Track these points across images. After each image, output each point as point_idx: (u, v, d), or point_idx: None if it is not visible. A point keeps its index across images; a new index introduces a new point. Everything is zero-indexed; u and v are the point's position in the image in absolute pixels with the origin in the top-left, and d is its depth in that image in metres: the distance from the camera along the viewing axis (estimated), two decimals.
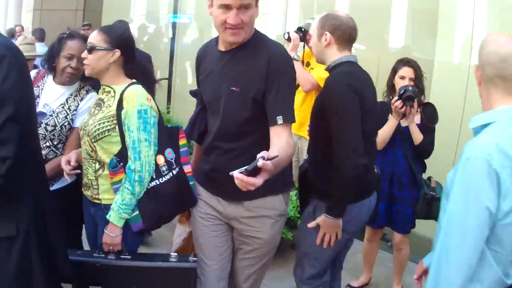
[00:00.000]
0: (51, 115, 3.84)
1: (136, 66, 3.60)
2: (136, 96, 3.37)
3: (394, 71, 4.81)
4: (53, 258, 3.01)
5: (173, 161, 3.47)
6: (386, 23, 6.81)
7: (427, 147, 4.61)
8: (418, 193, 4.63)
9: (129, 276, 3.41)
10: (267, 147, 2.89)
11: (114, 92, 3.47)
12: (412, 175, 4.69)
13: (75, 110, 3.90)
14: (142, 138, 3.30)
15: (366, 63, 5.63)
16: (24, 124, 2.67)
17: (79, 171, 3.57)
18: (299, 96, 5.67)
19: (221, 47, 3.30)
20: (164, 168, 3.41)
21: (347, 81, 3.52)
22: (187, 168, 3.56)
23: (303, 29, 5.72)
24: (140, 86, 3.47)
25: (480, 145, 2.32)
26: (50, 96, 3.93)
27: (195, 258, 3.47)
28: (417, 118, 4.71)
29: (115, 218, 3.32)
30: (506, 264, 2.32)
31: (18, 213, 2.77)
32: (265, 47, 3.18)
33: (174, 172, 3.46)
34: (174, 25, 10.39)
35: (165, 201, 3.41)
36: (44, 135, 3.80)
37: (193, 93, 3.66)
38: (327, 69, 3.78)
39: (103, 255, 3.40)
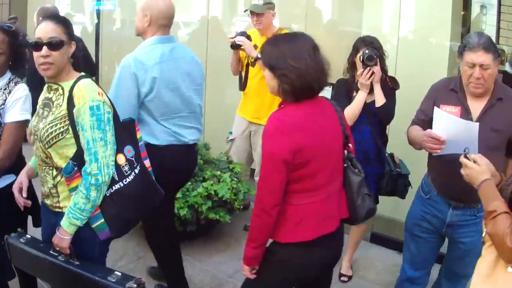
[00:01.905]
0: None
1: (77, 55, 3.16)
2: (87, 91, 2.93)
3: (356, 50, 4.50)
4: None
5: (133, 159, 3.10)
6: None
7: (388, 109, 4.38)
8: (382, 169, 4.49)
9: (67, 280, 3.05)
10: None
11: (63, 89, 3.02)
12: (378, 151, 4.54)
13: (3, 104, 3.57)
14: (97, 137, 2.89)
15: None
16: None
17: (29, 202, 3.28)
18: (253, 81, 5.52)
19: None
20: (126, 168, 3.05)
21: None
22: (147, 163, 3.24)
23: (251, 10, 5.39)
24: (89, 80, 3.03)
25: (126, 58, 3.74)
26: None
27: (136, 285, 2.83)
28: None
29: (65, 223, 2.93)
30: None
31: None
32: None
33: (136, 170, 3.10)
34: (98, 12, 10.11)
35: (131, 204, 3.09)
36: None
37: None
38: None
39: (56, 254, 3.01)
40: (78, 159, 2.92)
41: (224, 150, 6.01)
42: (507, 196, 2.48)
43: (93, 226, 2.98)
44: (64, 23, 3.04)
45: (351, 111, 4.32)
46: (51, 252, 2.99)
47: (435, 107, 3.29)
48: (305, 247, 2.84)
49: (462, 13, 5.18)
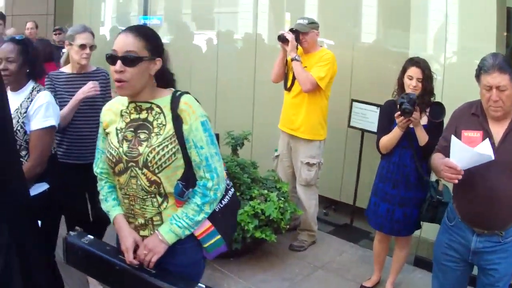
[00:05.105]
0: None
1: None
2: (194, 105, 2.82)
3: (404, 70, 4.66)
4: (32, 272, 2.78)
5: (227, 171, 3.11)
6: (358, 17, 6.75)
7: (431, 147, 4.12)
8: (424, 194, 4.52)
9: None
10: None
11: (159, 107, 2.83)
12: (420, 176, 4.58)
13: (25, 112, 3.76)
14: (213, 152, 2.83)
15: (339, 59, 5.66)
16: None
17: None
18: (291, 95, 5.82)
19: None
20: (228, 181, 3.04)
21: None
22: None
23: (294, 30, 5.69)
24: (189, 95, 2.89)
25: None
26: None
27: None
28: (424, 119, 4.58)
29: (165, 228, 2.80)
30: None
31: None
32: None
33: (231, 183, 3.13)
34: None
35: (234, 214, 3.20)
36: None
37: None
38: None
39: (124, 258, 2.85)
40: (187, 179, 2.83)
41: (271, 168, 6.19)
42: None
43: (207, 245, 2.91)
44: (146, 37, 2.76)
45: (385, 142, 4.55)
46: (120, 256, 2.87)
47: (452, 136, 3.30)
48: None
49: (505, 34, 5.29)
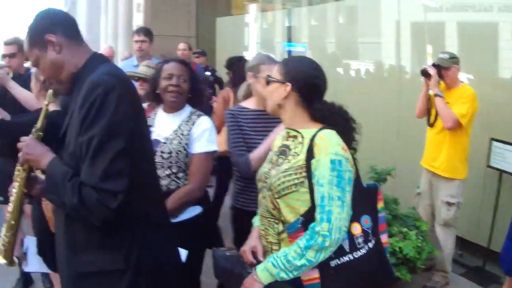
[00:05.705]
0: (165, 143, 3.79)
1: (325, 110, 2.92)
2: (330, 142, 2.72)
3: None
4: None
5: (370, 231, 2.81)
6: (496, 52, 6.66)
7: None
8: None
9: None
10: None
11: (302, 137, 2.85)
12: None
13: (188, 135, 3.80)
14: (335, 195, 2.60)
15: (478, 95, 5.63)
16: (137, 157, 2.57)
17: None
18: (433, 131, 5.87)
19: None
20: (360, 240, 2.75)
21: None
22: (384, 238, 2.94)
23: (436, 64, 5.68)
24: (334, 132, 2.79)
25: None
26: (162, 126, 3.90)
27: None
28: None
29: (260, 266, 2.74)
30: None
31: (128, 246, 2.61)
32: None
33: (370, 245, 2.80)
34: (289, 53, 10.40)
35: (357, 281, 2.76)
36: (161, 164, 3.74)
37: None
38: None
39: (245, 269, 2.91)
40: (309, 217, 2.69)
41: (412, 205, 6.18)
42: None
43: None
44: (284, 63, 2.99)
45: None
46: (248, 270, 2.88)
47: None
48: None
49: None
